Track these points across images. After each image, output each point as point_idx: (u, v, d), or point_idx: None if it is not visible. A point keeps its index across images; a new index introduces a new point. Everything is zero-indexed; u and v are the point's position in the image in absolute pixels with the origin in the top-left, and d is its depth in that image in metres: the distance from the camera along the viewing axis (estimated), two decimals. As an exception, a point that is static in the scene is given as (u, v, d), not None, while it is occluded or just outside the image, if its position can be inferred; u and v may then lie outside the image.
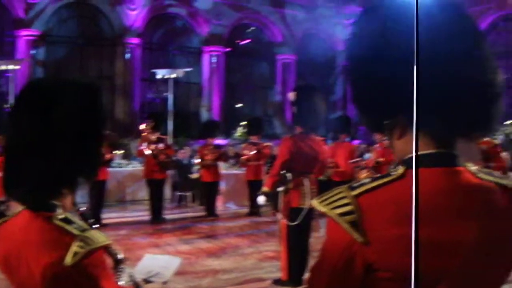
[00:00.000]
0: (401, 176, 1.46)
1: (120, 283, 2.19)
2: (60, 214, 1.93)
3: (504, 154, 10.57)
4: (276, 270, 6.76)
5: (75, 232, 1.86)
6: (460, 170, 1.49)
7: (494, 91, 1.51)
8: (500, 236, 1.47)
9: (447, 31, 1.44)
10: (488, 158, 9.24)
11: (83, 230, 1.89)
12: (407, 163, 1.49)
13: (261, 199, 6.77)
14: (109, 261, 2.27)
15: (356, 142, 15.15)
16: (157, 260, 2.77)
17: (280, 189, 6.30)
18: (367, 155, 14.46)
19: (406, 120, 1.48)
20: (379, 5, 1.57)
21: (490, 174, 1.53)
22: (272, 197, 11.42)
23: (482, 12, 23.38)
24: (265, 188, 6.59)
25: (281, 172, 6.25)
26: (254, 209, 12.45)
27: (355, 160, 10.84)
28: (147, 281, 2.64)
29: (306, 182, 6.29)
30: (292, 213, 6.12)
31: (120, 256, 2.35)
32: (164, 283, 2.68)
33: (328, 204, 1.44)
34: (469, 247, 1.41)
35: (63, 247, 1.81)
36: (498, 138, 18.73)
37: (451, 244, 1.40)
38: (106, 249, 2.10)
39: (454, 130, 1.49)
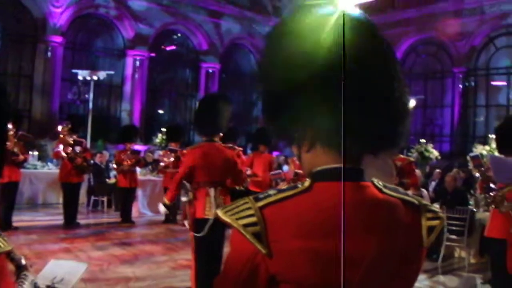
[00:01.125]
0: (307, 189, 1.47)
1: (21, 289, 2.11)
2: None
3: (417, 171, 10.94)
4: (189, 279, 6.70)
5: None
6: (366, 185, 1.51)
7: (401, 110, 1.55)
8: (401, 251, 1.51)
9: (358, 50, 1.47)
10: (403, 174, 9.52)
11: None
12: (314, 176, 1.51)
13: (161, 209, 6.68)
14: (11, 267, 2.18)
15: (275, 153, 15.32)
16: (62, 265, 2.67)
17: (184, 199, 6.25)
18: (285, 167, 14.67)
19: (315, 133, 1.50)
20: (295, 16, 1.56)
21: (395, 190, 1.57)
22: (171, 208, 11.40)
23: (402, 35, 24.23)
24: (164, 199, 6.51)
25: (183, 182, 6.19)
26: (170, 217, 12.37)
27: (275, 172, 10.95)
28: (51, 287, 2.55)
29: (212, 192, 6.13)
30: (197, 224, 5.98)
31: (22, 262, 2.26)
32: None
33: (232, 215, 1.44)
34: (370, 260, 1.44)
35: None
36: (413, 156, 19.44)
37: (354, 257, 1.42)
38: (7, 255, 2.01)
39: (361, 146, 1.51)
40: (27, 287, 2.16)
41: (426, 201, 1.63)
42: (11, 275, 2.03)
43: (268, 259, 1.41)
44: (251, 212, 1.42)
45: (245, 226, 1.41)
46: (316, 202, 1.44)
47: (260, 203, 1.43)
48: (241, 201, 1.47)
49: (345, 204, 1.42)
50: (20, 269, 2.26)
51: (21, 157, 10.47)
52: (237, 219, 1.42)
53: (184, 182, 6.17)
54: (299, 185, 1.49)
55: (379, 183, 1.55)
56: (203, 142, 6.36)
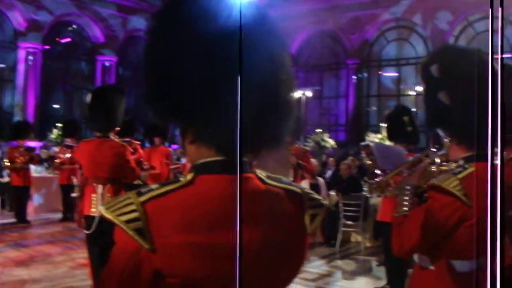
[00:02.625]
0: (190, 183, 1.48)
1: None
2: None
3: (313, 160, 11.22)
4: (88, 278, 6.57)
5: None
6: (249, 177, 1.53)
7: (285, 110, 1.58)
8: (285, 239, 1.55)
9: (251, 45, 1.48)
10: (299, 163, 9.77)
11: None
12: (197, 168, 1.51)
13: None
14: None
15: (174, 146, 15.21)
16: None
17: (74, 195, 6.07)
18: (183, 159, 14.59)
19: (199, 125, 1.51)
20: (181, 3, 1.54)
21: (278, 180, 1.60)
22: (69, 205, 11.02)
23: (298, 28, 24.67)
24: None
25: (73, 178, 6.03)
26: (68, 215, 12.03)
27: (175, 166, 10.88)
28: None
29: (99, 189, 5.94)
30: (86, 221, 5.84)
31: None
32: None
33: (114, 211, 1.42)
34: (254, 251, 1.47)
35: None
36: (310, 145, 19.90)
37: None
38: None
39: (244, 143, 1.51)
40: None
41: (308, 190, 1.68)
42: None
43: (151, 254, 1.40)
44: (133, 207, 1.41)
45: (127, 222, 1.39)
46: (199, 196, 1.45)
47: (142, 198, 1.42)
48: (123, 196, 1.46)
49: (228, 196, 1.45)
50: None
51: None
52: (119, 215, 1.41)
53: (73, 178, 5.99)
54: (182, 179, 1.49)
55: (262, 174, 1.58)
56: (95, 137, 6.18)
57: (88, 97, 6.12)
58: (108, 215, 1.42)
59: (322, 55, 26.74)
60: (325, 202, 1.68)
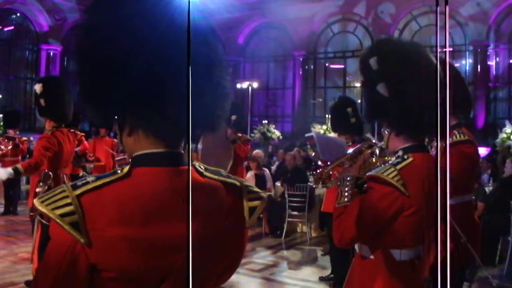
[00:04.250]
0: (126, 175, 1.46)
1: None
2: None
3: (257, 151, 11.29)
4: (30, 272, 6.40)
5: None
6: (186, 169, 1.51)
7: (219, 95, 1.57)
8: (224, 232, 1.55)
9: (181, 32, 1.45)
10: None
11: None
12: (134, 161, 1.50)
13: (4, 174, 6.21)
14: None
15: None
16: None
17: (40, 189, 5.91)
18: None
19: (136, 117, 1.49)
20: None
21: (216, 173, 1.60)
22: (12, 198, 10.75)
23: (245, 18, 24.67)
24: (20, 168, 5.99)
25: (45, 170, 5.89)
26: (10, 208, 11.73)
27: (120, 158, 10.74)
28: None
29: (67, 180, 6.05)
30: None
31: None
32: None
33: (49, 204, 1.39)
34: (193, 243, 1.46)
35: None
36: (256, 136, 19.97)
37: (175, 242, 1.43)
38: None
39: (179, 130, 1.50)
40: None
41: (247, 183, 1.68)
42: None
43: (87, 249, 1.39)
44: (68, 200, 1.38)
45: (62, 215, 1.37)
46: (135, 188, 1.43)
47: (78, 191, 1.40)
48: (58, 189, 1.43)
49: (165, 189, 1.43)
50: None
51: None
52: (53, 208, 1.38)
53: (46, 171, 5.85)
54: (118, 171, 1.47)
55: (201, 167, 1.57)
56: (52, 129, 6.14)
57: (39, 87, 6.03)
58: (43, 209, 1.39)
59: (269, 46, 26.81)
60: (264, 194, 1.69)
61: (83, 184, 1.42)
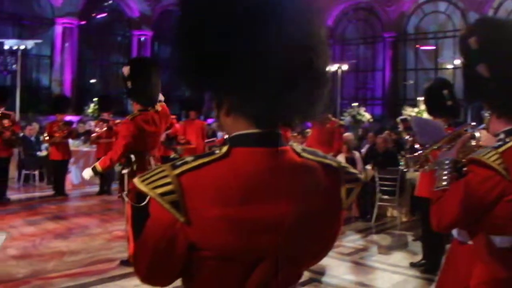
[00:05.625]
0: (225, 155, 1.45)
1: None
2: None
3: (348, 134, 11.13)
4: (125, 250, 6.64)
5: None
6: (284, 150, 1.50)
7: (320, 80, 1.54)
8: (321, 213, 1.53)
9: (284, 16, 1.44)
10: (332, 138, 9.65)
11: None
12: (232, 141, 1.49)
13: (87, 174, 6.45)
14: None
15: (210, 120, 15.26)
16: None
17: (125, 171, 6.08)
18: (220, 134, 14.63)
19: (235, 98, 1.48)
20: None
21: (313, 154, 1.57)
22: (107, 178, 11.15)
23: (333, 1, 24.38)
24: (98, 167, 6.25)
25: (125, 154, 6.04)
26: (105, 188, 12.21)
27: (210, 140, 10.92)
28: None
29: (152, 162, 6.18)
30: (139, 194, 5.91)
31: None
32: None
33: (149, 184, 1.41)
34: (290, 224, 1.45)
35: None
36: (346, 119, 19.78)
37: (273, 222, 1.42)
38: None
39: (278, 112, 1.49)
40: None
41: (344, 164, 1.65)
42: None
43: (187, 227, 1.40)
44: (168, 180, 1.40)
45: (162, 194, 1.39)
46: (234, 168, 1.42)
47: (177, 171, 1.41)
48: (158, 168, 1.45)
49: (264, 169, 1.42)
50: None
51: None
52: (154, 188, 1.40)
53: (128, 155, 6.01)
54: (217, 151, 1.47)
55: (298, 147, 1.55)
56: (136, 113, 6.25)
57: (126, 70, 6.12)
58: (143, 188, 1.41)
59: (358, 28, 26.40)
60: (361, 176, 1.65)
61: (182, 164, 1.43)
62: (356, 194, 1.60)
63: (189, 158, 1.46)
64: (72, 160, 12.66)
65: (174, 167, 1.43)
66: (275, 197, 1.42)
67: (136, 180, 1.45)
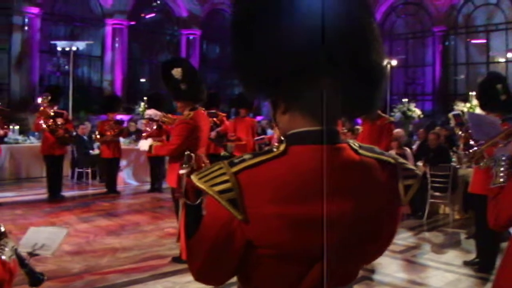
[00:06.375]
0: (283, 153, 1.45)
1: (2, 257, 2.10)
2: None
3: (399, 130, 10.99)
4: (177, 247, 6.70)
5: None
6: (342, 147, 1.49)
7: (377, 75, 1.52)
8: (378, 211, 1.51)
9: (335, 11, 1.43)
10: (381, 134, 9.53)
11: None
12: (289, 139, 1.48)
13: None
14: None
15: (259, 118, 15.29)
16: (42, 232, 2.68)
17: (183, 171, 6.12)
18: (269, 131, 14.65)
19: (292, 96, 1.47)
20: None
21: (371, 150, 1.55)
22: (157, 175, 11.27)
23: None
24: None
25: (185, 153, 6.08)
26: (155, 186, 12.36)
27: (259, 138, 10.95)
28: (32, 254, 2.55)
29: (206, 160, 6.27)
30: (197, 192, 5.97)
31: (1, 229, 2.26)
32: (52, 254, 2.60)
33: (207, 181, 1.42)
34: (347, 222, 1.44)
35: None
36: (396, 115, 19.51)
37: (332, 220, 1.41)
38: None
39: (335, 109, 1.48)
40: (7, 253, 2.16)
41: (402, 160, 1.62)
42: None
43: (244, 225, 1.40)
44: (226, 177, 1.40)
45: (220, 192, 1.39)
46: (291, 166, 1.42)
47: (235, 168, 1.41)
48: (215, 166, 1.45)
49: (321, 167, 1.41)
50: (0, 236, 2.26)
51: (0, 132, 10.41)
52: (212, 185, 1.40)
53: (187, 153, 6.06)
54: (275, 149, 1.47)
55: (355, 144, 1.54)
56: (189, 113, 6.30)
57: (178, 72, 6.17)
58: (201, 185, 1.42)
59: (407, 23, 26.00)
60: (419, 172, 1.63)
61: (240, 162, 1.43)
62: (414, 190, 1.57)
63: (246, 156, 1.46)
64: (123, 158, 12.85)
65: (232, 164, 1.43)
66: (333, 195, 1.41)
67: (193, 177, 1.45)
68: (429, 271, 6.64)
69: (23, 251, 2.47)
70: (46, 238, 2.60)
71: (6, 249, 2.17)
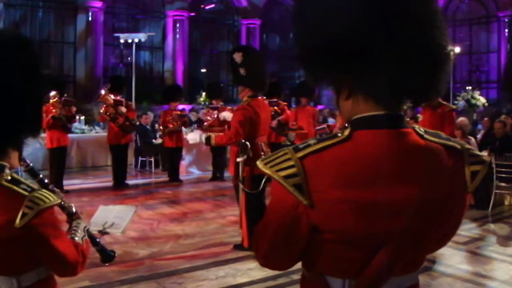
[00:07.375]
0: (347, 138, 1.45)
1: (75, 238, 2.17)
2: (7, 175, 1.89)
3: (463, 119, 10.74)
4: (238, 234, 6.79)
5: (24, 192, 1.83)
6: (407, 132, 1.48)
7: (441, 57, 1.50)
8: (444, 197, 1.49)
9: None
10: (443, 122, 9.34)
11: (32, 190, 1.86)
12: (354, 124, 1.48)
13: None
14: (62, 217, 2.24)
15: (320, 107, 15.23)
16: (111, 211, 2.74)
17: (240, 159, 6.15)
18: (331, 120, 14.57)
19: (354, 80, 1.47)
20: None
21: (436, 136, 1.54)
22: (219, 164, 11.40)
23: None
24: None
25: (242, 141, 6.11)
26: (217, 174, 12.48)
27: (321, 127, 10.91)
28: (103, 232, 2.62)
29: (265, 148, 6.29)
30: (255, 180, 6.03)
31: (73, 209, 2.34)
32: (122, 233, 2.67)
33: (272, 166, 1.44)
34: (412, 208, 1.43)
35: (11, 209, 1.78)
36: (460, 103, 19.05)
37: (395, 206, 1.41)
38: (58, 206, 2.08)
39: (400, 92, 1.48)
40: (80, 234, 2.23)
41: (468, 146, 1.60)
42: (63, 225, 2.10)
43: (309, 210, 1.41)
44: (291, 163, 1.41)
45: (286, 177, 1.40)
46: (356, 151, 1.42)
47: (300, 154, 1.42)
48: (280, 152, 1.47)
49: (387, 152, 1.41)
50: (72, 217, 2.34)
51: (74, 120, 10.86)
52: (277, 170, 1.42)
53: (243, 141, 6.08)
54: (339, 134, 1.47)
55: (420, 129, 1.52)
56: (248, 99, 6.35)
57: (239, 56, 6.23)
58: (267, 170, 1.44)
59: (470, 8, 25.28)
60: (486, 158, 1.60)
61: (305, 147, 1.44)
62: (481, 177, 1.54)
63: (311, 141, 1.47)
64: (185, 147, 13.02)
65: (297, 150, 1.44)
66: (399, 180, 1.41)
67: (259, 163, 1.47)
68: (494, 263, 6.48)
69: (94, 229, 2.55)
70: (115, 216, 2.67)
71: (79, 230, 2.25)
